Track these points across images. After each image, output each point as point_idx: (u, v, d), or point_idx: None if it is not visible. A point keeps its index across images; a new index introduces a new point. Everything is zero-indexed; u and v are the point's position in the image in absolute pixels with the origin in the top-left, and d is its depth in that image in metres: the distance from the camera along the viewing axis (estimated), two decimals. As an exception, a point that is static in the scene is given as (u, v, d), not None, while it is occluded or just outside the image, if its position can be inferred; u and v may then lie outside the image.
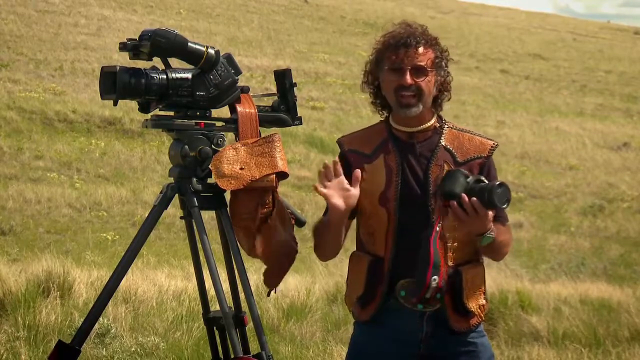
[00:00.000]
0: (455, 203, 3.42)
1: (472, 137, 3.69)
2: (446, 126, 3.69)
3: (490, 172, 3.65)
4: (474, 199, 3.40)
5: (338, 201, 3.52)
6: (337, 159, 3.67)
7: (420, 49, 3.60)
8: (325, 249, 3.69)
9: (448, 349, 3.65)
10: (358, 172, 3.58)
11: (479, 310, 3.67)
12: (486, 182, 3.46)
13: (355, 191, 3.56)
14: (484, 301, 3.70)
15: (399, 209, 3.59)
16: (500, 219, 3.64)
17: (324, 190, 3.53)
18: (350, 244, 3.76)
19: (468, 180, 3.44)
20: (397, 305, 3.61)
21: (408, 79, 3.57)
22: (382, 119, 3.74)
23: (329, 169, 3.55)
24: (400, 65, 3.59)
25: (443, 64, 3.66)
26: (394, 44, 3.61)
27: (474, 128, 3.86)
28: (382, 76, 3.65)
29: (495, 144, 3.69)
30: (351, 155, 3.69)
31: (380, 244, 3.61)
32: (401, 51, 3.59)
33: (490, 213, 3.45)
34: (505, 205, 3.42)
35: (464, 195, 3.41)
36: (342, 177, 3.55)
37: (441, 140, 3.65)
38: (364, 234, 3.69)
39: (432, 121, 3.68)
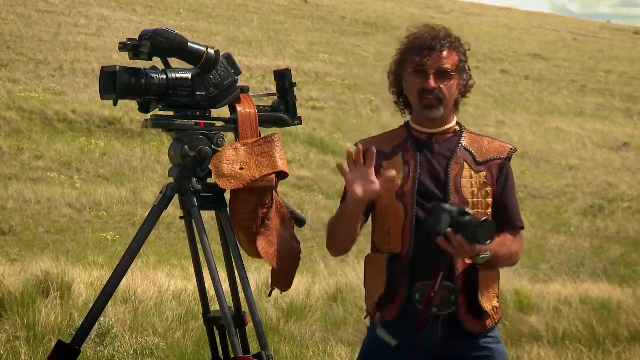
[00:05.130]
0: (442, 239, 3.43)
1: (492, 140, 3.74)
2: (465, 131, 3.73)
3: (508, 178, 3.69)
4: (459, 236, 3.41)
5: (358, 189, 3.47)
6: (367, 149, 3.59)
7: (445, 53, 3.61)
8: (337, 241, 3.64)
9: (463, 352, 3.64)
10: (392, 172, 3.51)
11: (492, 311, 3.66)
12: (470, 213, 3.46)
13: (377, 186, 3.49)
14: (497, 303, 3.70)
15: (416, 203, 3.58)
16: (510, 225, 3.66)
17: (349, 175, 3.49)
18: (365, 246, 3.75)
19: (452, 214, 3.45)
20: (412, 309, 3.60)
21: (432, 82, 3.58)
22: (402, 125, 3.75)
23: (359, 155, 3.50)
24: (424, 69, 3.59)
25: (466, 67, 3.68)
26: (417, 46, 3.61)
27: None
28: (405, 77, 3.66)
29: (515, 148, 3.75)
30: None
31: (397, 240, 3.60)
32: (425, 54, 3.59)
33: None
34: (488, 242, 3.42)
35: (449, 231, 3.42)
36: (370, 169, 3.49)
37: (461, 141, 3.69)
38: (379, 234, 3.68)
39: (453, 123, 3.71)
